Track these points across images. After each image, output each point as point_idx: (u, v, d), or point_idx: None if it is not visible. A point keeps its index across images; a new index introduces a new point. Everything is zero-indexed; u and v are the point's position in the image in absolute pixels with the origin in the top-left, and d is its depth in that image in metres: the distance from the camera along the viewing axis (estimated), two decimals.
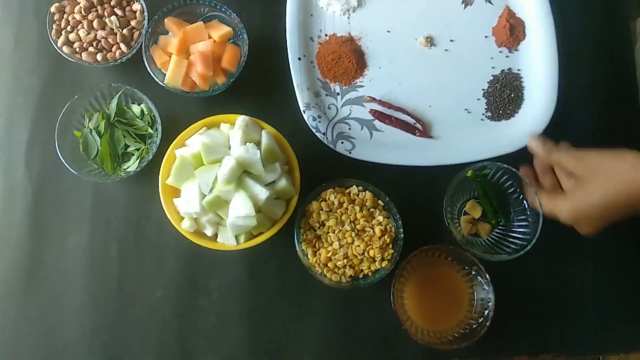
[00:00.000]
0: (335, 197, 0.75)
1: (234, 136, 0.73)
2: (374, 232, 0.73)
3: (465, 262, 0.74)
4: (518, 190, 0.76)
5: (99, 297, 0.79)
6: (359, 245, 0.73)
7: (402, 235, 0.73)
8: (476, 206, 0.79)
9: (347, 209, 0.74)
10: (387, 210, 0.75)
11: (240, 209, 0.69)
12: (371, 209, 0.75)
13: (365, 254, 0.73)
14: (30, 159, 0.83)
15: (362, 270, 0.74)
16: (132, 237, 0.80)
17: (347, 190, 0.76)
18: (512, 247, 0.74)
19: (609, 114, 0.85)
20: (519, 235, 0.75)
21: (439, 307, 0.77)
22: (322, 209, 0.75)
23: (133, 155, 0.80)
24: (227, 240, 0.73)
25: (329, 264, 0.73)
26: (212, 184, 0.71)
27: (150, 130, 0.80)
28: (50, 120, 0.80)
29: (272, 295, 0.79)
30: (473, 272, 0.74)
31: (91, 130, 0.80)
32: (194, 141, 0.75)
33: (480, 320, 0.72)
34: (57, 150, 0.77)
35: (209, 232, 0.73)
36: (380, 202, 0.75)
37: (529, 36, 0.85)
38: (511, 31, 0.85)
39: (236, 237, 0.73)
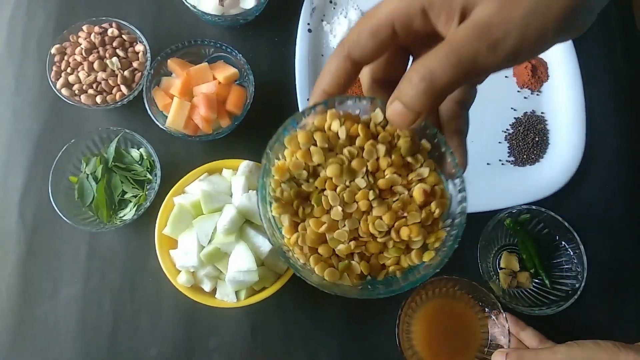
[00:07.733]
0: (343, 125, 0.38)
1: (236, 183, 0.68)
2: (410, 196, 0.38)
3: (485, 304, 0.67)
4: (558, 237, 0.72)
5: (89, 355, 0.73)
6: (381, 217, 0.37)
7: (466, 203, 0.38)
8: (510, 258, 0.73)
9: (362, 148, 0.37)
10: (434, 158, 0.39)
11: (241, 262, 0.64)
12: (407, 158, 0.38)
13: (393, 234, 0.37)
14: (24, 206, 0.78)
15: (383, 266, 0.39)
16: (127, 290, 0.75)
17: (366, 118, 0.39)
18: (558, 294, 0.70)
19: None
20: (565, 281, 0.70)
21: (448, 344, 0.69)
22: (314, 144, 0.38)
23: (130, 202, 0.75)
24: (226, 297, 0.67)
25: (320, 249, 0.38)
26: (212, 234, 0.66)
27: (149, 175, 0.76)
28: (46, 164, 0.76)
29: (277, 357, 0.72)
30: (492, 317, 0.67)
31: (88, 175, 0.75)
32: (194, 188, 0.70)
33: None
34: (51, 197, 0.72)
35: (207, 287, 0.67)
36: (424, 142, 0.38)
37: (553, 77, 0.80)
38: (533, 72, 0.80)
39: (236, 293, 0.66)
